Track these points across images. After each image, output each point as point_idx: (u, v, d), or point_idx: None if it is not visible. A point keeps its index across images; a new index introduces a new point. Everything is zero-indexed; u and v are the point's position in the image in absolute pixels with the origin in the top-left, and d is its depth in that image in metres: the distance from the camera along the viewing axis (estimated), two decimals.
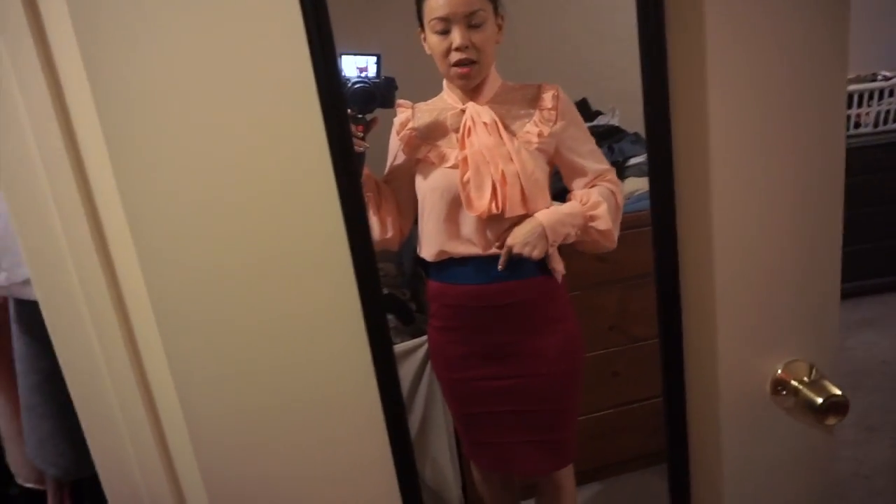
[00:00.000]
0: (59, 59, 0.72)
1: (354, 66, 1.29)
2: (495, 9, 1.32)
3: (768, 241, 0.78)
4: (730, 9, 0.73)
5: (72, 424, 0.92)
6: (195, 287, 0.73)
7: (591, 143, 1.42)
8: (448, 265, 1.39)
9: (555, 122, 1.35)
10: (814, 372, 0.79)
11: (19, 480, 1.35)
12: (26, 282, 1.02)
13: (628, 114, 2.00)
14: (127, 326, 0.77)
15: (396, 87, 1.30)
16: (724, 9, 0.72)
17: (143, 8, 0.67)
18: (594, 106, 2.01)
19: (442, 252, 1.37)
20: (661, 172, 0.77)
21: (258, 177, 0.72)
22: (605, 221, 1.35)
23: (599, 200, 1.36)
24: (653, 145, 0.78)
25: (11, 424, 1.30)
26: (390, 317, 1.85)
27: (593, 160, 1.41)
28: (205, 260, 0.73)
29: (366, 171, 1.35)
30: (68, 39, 0.68)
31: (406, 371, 1.76)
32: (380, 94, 1.27)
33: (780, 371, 0.79)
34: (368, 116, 1.28)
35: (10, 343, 1.15)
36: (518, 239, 1.31)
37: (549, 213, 1.33)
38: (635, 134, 1.92)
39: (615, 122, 1.95)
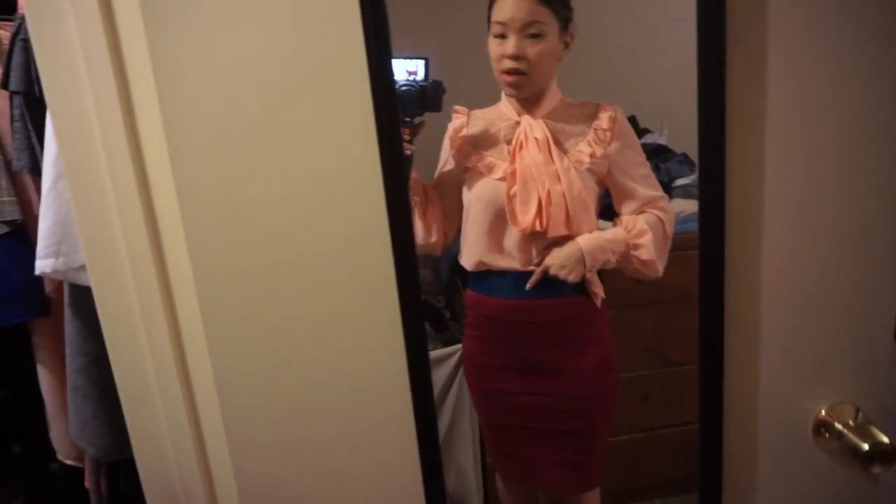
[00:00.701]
0: (128, 58, 0.75)
1: (404, 70, 1.31)
2: (564, 25, 1.30)
3: (819, 274, 0.76)
4: (793, 35, 0.71)
5: (113, 408, 0.95)
6: (240, 283, 0.75)
7: (645, 168, 1.40)
8: (486, 276, 1.39)
9: (609, 144, 1.34)
10: (860, 415, 0.76)
11: (60, 457, 1.40)
12: (82, 267, 1.06)
13: (677, 133, 1.96)
14: (173, 318, 0.80)
15: (444, 91, 1.30)
16: (787, 35, 0.71)
17: (212, 9, 0.69)
18: (643, 124, 1.98)
19: (481, 263, 1.38)
20: (713, 196, 0.76)
21: (307, 175, 0.74)
22: (649, 251, 1.33)
23: (645, 229, 1.33)
24: (706, 167, 0.76)
25: (57, 402, 1.34)
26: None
27: (645, 185, 1.38)
28: (251, 256, 0.75)
29: (414, 174, 1.36)
30: (139, 40, 0.71)
31: (437, 377, 1.76)
32: (427, 97, 1.28)
33: (823, 412, 0.77)
34: (416, 120, 1.29)
35: (62, 325, 1.19)
36: (556, 261, 1.30)
37: (590, 239, 1.31)
38: (683, 154, 1.89)
39: (663, 141, 1.92)
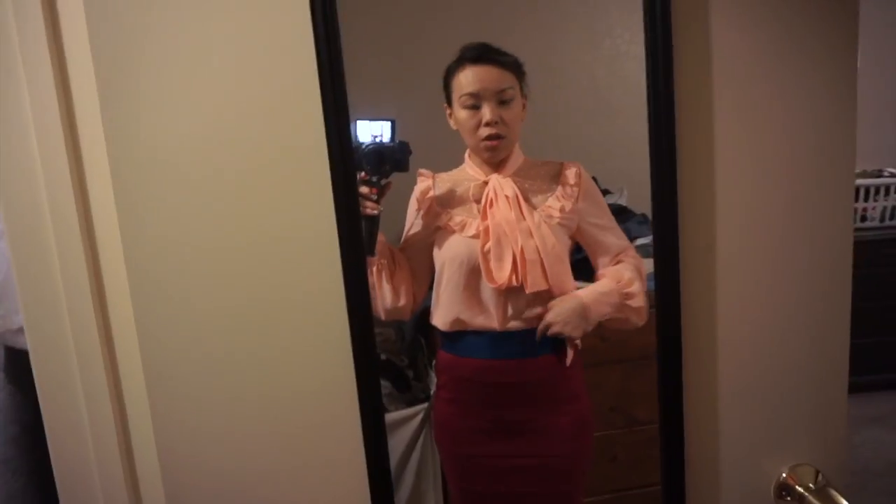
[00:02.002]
0: (80, 114, 0.74)
1: (369, 133, 1.32)
2: (521, 87, 1.36)
3: (775, 336, 0.77)
4: (740, 96, 0.74)
5: (45, 482, 0.88)
6: (190, 352, 0.72)
7: (611, 220, 1.46)
8: (462, 336, 1.38)
9: (577, 199, 1.38)
10: (820, 477, 0.76)
11: None
12: (20, 330, 1.01)
13: (636, 194, 2.01)
14: (117, 387, 0.76)
15: (410, 152, 1.33)
16: (735, 95, 0.74)
17: (166, 68, 0.69)
18: (603, 184, 2.03)
19: (458, 321, 1.37)
20: (668, 260, 0.77)
21: (260, 238, 0.72)
22: (640, 299, 1.37)
23: (633, 277, 1.37)
24: (660, 230, 0.78)
25: None
26: (386, 383, 1.81)
27: (615, 236, 1.43)
28: (201, 325, 0.72)
29: (380, 237, 1.36)
30: (90, 95, 0.70)
31: (399, 439, 1.70)
32: (393, 156, 1.30)
33: (785, 474, 0.76)
34: (383, 181, 1.30)
35: None
36: (559, 317, 1.29)
37: (589, 292, 1.33)
38: (643, 215, 1.93)
39: (623, 201, 1.97)
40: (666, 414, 0.79)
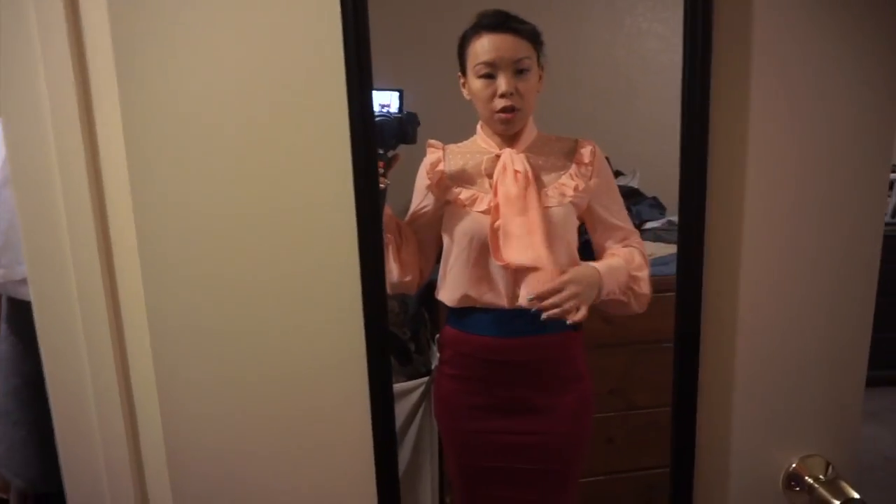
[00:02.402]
0: (92, 65, 0.71)
1: (377, 102, 1.29)
2: (538, 58, 1.32)
3: (794, 327, 0.75)
4: (777, 87, 0.71)
5: (45, 436, 0.87)
6: (198, 310, 0.70)
7: (621, 203, 1.42)
8: (469, 313, 1.35)
9: (590, 178, 1.34)
10: (830, 469, 0.75)
11: None
12: (23, 281, 1.00)
13: (648, 177, 1.99)
14: (120, 342, 0.74)
15: (418, 123, 1.29)
16: (772, 86, 0.71)
17: (190, 36, 0.66)
18: (616, 166, 2.00)
19: (466, 297, 1.34)
20: (692, 245, 0.74)
21: (278, 203, 0.70)
22: (647, 285, 1.34)
23: (642, 263, 1.35)
24: (686, 215, 0.75)
25: None
26: None
27: (623, 220, 1.40)
28: (212, 283, 0.70)
29: (387, 211, 1.33)
30: (104, 49, 0.67)
31: (399, 412, 1.70)
32: (401, 128, 1.26)
33: (795, 465, 0.75)
34: (390, 153, 1.27)
35: None
36: (575, 279, 1.24)
37: (603, 265, 1.30)
38: (654, 198, 1.91)
39: (635, 184, 1.94)
40: (679, 398, 0.77)
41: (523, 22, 1.29)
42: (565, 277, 1.24)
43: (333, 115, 0.69)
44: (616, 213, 1.39)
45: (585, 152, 1.36)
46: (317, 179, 0.71)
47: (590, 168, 1.35)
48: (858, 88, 0.73)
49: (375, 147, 0.74)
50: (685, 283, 0.76)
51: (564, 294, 1.22)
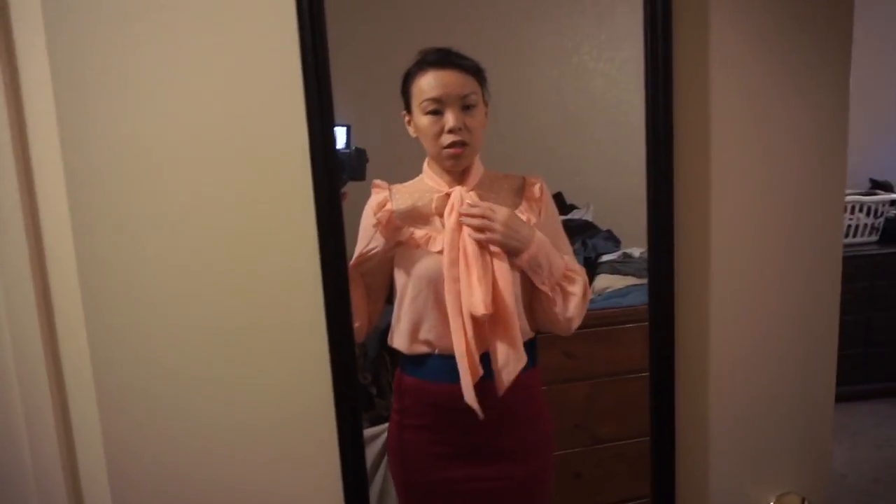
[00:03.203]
0: (32, 114, 0.68)
1: None
2: (483, 93, 1.33)
3: (765, 366, 0.76)
4: (735, 120, 0.73)
5: None
6: (148, 353, 0.66)
7: (566, 239, 1.42)
8: (426, 359, 1.31)
9: (540, 213, 1.34)
10: None
11: None
12: None
13: (601, 210, 2.02)
14: (63, 411, 0.69)
15: (367, 160, 1.27)
16: (730, 122, 0.73)
17: (145, 69, 0.64)
18: (569, 200, 2.03)
19: (424, 343, 1.30)
20: (663, 281, 0.75)
21: (238, 242, 0.68)
22: (578, 289, 1.30)
23: (582, 281, 1.33)
24: (655, 253, 0.76)
25: None
26: None
27: (571, 257, 1.39)
28: (169, 327, 0.66)
29: None
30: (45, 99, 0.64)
31: None
32: (350, 163, 1.23)
33: (772, 503, 0.75)
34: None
35: None
36: (506, 214, 1.22)
37: (543, 237, 1.28)
38: (608, 231, 1.94)
39: (589, 217, 1.97)
40: (657, 443, 0.77)
41: (466, 58, 1.31)
42: (503, 210, 1.22)
43: (294, 152, 0.67)
44: (564, 250, 1.39)
45: (535, 188, 1.36)
46: (278, 219, 0.69)
47: (539, 204, 1.35)
48: (813, 115, 0.76)
49: (339, 183, 0.73)
50: (657, 316, 0.76)
51: (489, 214, 1.21)
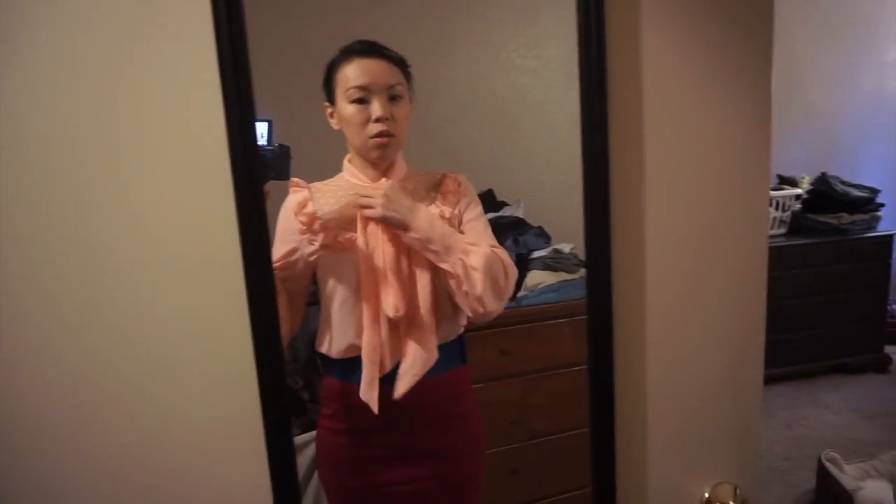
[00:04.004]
0: None
1: None
2: (408, 87, 1.29)
3: (698, 359, 0.77)
4: (668, 115, 0.73)
5: None
6: (69, 351, 0.60)
7: (491, 235, 1.33)
8: (354, 362, 1.26)
9: (457, 203, 1.31)
10: (738, 492, 0.77)
11: None
12: None
13: (533, 207, 2.04)
14: None
15: (290, 157, 1.19)
16: (663, 114, 0.73)
17: (68, 62, 0.57)
18: (500, 197, 2.04)
19: (352, 347, 1.24)
20: (600, 281, 0.74)
21: (160, 246, 0.62)
22: (477, 261, 1.19)
23: (481, 247, 1.23)
24: (592, 249, 0.75)
25: None
26: None
27: (488, 238, 1.31)
28: (81, 329, 0.60)
29: None
30: None
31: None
32: (275, 161, 1.15)
33: (707, 494, 0.76)
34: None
35: None
36: (395, 192, 1.20)
37: (432, 214, 1.23)
38: (540, 227, 1.96)
39: (520, 213, 1.98)
40: (598, 436, 0.76)
41: (392, 50, 1.27)
42: (383, 185, 1.22)
43: (211, 148, 0.62)
44: (480, 232, 1.30)
45: (450, 182, 1.32)
46: (197, 221, 0.64)
47: (455, 196, 1.32)
48: (738, 117, 0.78)
49: (261, 182, 0.68)
50: (596, 312, 0.76)
51: (369, 192, 1.20)
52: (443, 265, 1.19)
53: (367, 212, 1.18)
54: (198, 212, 0.63)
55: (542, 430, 1.92)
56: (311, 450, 1.56)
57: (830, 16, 3.77)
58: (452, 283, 1.20)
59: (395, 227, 1.19)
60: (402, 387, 1.19)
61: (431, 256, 1.20)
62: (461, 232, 1.29)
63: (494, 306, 1.21)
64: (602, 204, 0.72)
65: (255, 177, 0.65)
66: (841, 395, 3.37)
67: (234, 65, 0.60)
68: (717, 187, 0.76)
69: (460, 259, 1.19)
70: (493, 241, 1.31)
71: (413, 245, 1.20)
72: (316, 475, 1.59)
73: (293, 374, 1.78)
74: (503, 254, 1.27)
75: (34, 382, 0.62)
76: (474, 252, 1.20)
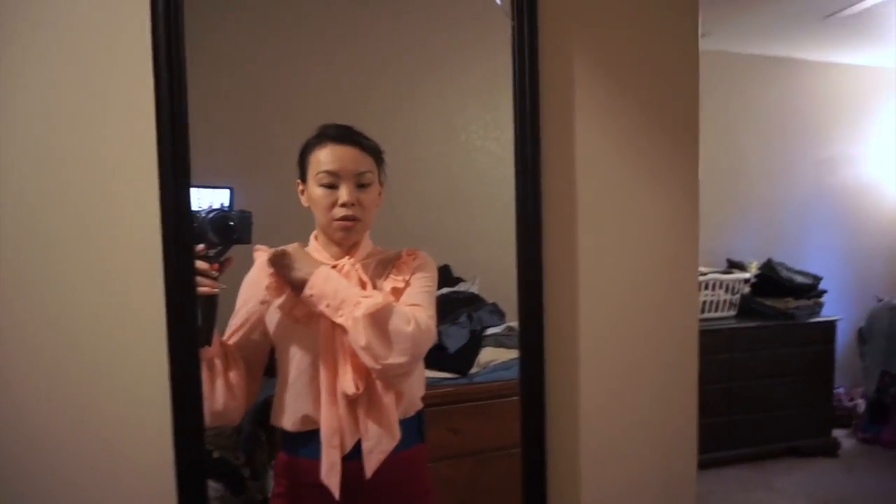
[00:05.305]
0: None
1: (201, 202, 1.17)
2: (379, 173, 1.33)
3: (632, 440, 0.78)
4: (600, 201, 0.77)
5: None
6: None
7: (427, 293, 1.30)
8: (309, 436, 1.23)
9: (411, 273, 1.31)
10: None
11: None
12: None
13: (488, 283, 2.07)
14: None
15: (251, 222, 1.21)
16: (594, 208, 0.77)
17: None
18: (456, 273, 2.06)
19: (306, 419, 1.22)
20: (533, 358, 0.75)
21: (72, 304, 0.61)
22: (360, 311, 1.15)
23: (374, 298, 1.19)
24: (525, 321, 0.76)
25: None
26: (217, 485, 1.61)
27: (420, 300, 1.27)
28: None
29: (216, 336, 1.20)
30: None
31: None
32: (238, 226, 1.17)
33: None
34: (223, 257, 1.16)
35: None
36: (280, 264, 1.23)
37: (328, 272, 1.22)
38: (494, 304, 1.98)
39: (475, 290, 2.01)
40: None
41: (367, 137, 1.31)
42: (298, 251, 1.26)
43: (141, 204, 0.62)
44: (417, 292, 1.28)
45: (405, 255, 1.34)
46: (124, 294, 0.63)
47: (409, 266, 1.33)
48: (668, 209, 0.82)
49: (191, 242, 0.68)
50: (528, 394, 0.76)
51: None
52: (337, 320, 1.18)
53: (260, 256, 1.22)
54: (125, 288, 0.62)
55: None
56: None
57: (775, 115, 4.04)
58: (347, 338, 1.18)
59: (292, 285, 1.20)
60: (370, 466, 1.17)
61: (327, 312, 1.19)
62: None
63: (389, 359, 1.15)
64: (535, 286, 0.74)
65: (187, 245, 0.65)
66: (792, 479, 3.38)
67: (171, 129, 0.62)
68: (649, 275, 0.79)
69: (350, 311, 1.17)
70: (425, 304, 1.27)
71: (309, 304, 1.19)
72: None
73: (234, 449, 1.72)
74: (418, 311, 1.23)
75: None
76: (364, 303, 1.17)
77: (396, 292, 1.28)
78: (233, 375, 1.21)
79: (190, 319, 0.64)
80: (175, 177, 0.62)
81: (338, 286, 1.21)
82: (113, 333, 0.62)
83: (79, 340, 0.61)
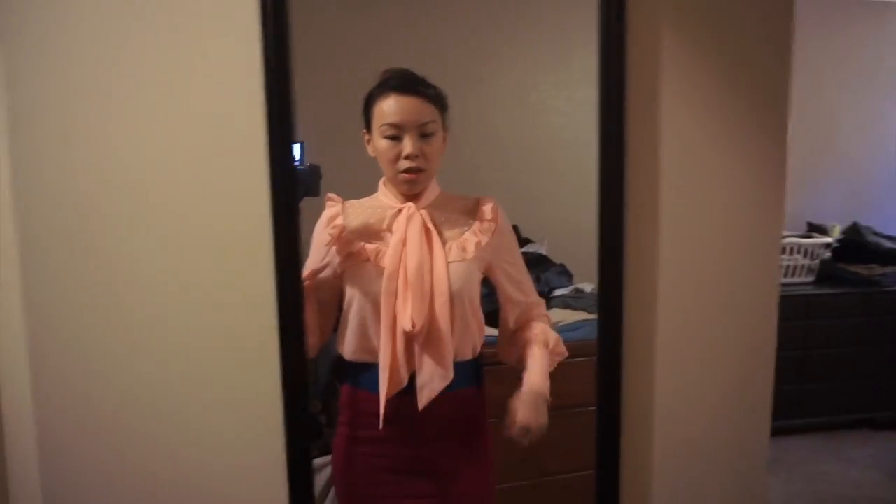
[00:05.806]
0: None
1: None
2: (443, 121, 1.34)
3: (706, 405, 0.78)
4: (685, 167, 0.76)
5: None
6: (98, 379, 0.64)
7: (524, 269, 1.42)
8: (367, 369, 1.31)
9: (493, 233, 1.35)
10: None
11: None
12: None
13: (556, 244, 2.07)
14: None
15: (321, 175, 1.27)
16: (680, 165, 0.76)
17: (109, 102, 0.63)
18: (524, 234, 2.07)
19: (365, 351, 1.30)
20: (612, 311, 0.77)
21: (197, 258, 0.67)
22: (563, 349, 1.37)
23: (556, 338, 1.37)
24: (604, 291, 0.78)
25: None
26: None
27: (526, 291, 1.41)
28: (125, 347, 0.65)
29: None
30: None
31: None
32: (305, 180, 1.23)
33: None
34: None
35: None
36: (531, 419, 1.26)
37: (539, 377, 1.30)
38: (562, 265, 1.98)
39: (543, 251, 2.01)
40: (602, 477, 0.78)
41: (430, 86, 1.32)
42: (522, 428, 1.26)
43: (252, 167, 0.67)
44: (520, 284, 1.40)
45: (487, 209, 1.36)
46: (234, 235, 0.68)
47: (492, 224, 1.36)
48: (753, 171, 0.80)
49: (296, 202, 0.73)
50: (606, 353, 0.78)
51: (535, 428, 1.26)
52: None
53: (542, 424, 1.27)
54: (236, 228, 0.67)
55: (554, 468, 1.91)
56: (326, 473, 1.59)
57: (868, 64, 3.75)
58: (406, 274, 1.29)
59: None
60: (422, 400, 1.24)
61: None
62: (497, 274, 1.38)
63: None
64: (616, 245, 0.75)
65: (292, 193, 0.70)
66: (867, 451, 3.27)
67: (278, 91, 0.66)
68: (730, 239, 0.78)
69: (555, 360, 1.37)
70: (535, 294, 1.43)
71: None
72: (330, 495, 1.61)
73: (312, 398, 1.82)
74: (548, 318, 1.43)
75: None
76: (562, 353, 1.37)
77: (479, 247, 1.33)
78: (308, 313, 1.27)
79: (294, 262, 0.69)
80: (282, 131, 0.67)
81: (546, 371, 1.32)
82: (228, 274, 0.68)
83: (198, 302, 0.67)
